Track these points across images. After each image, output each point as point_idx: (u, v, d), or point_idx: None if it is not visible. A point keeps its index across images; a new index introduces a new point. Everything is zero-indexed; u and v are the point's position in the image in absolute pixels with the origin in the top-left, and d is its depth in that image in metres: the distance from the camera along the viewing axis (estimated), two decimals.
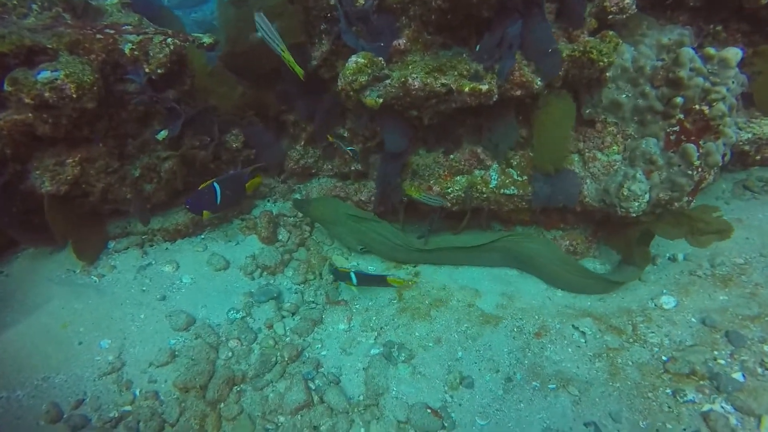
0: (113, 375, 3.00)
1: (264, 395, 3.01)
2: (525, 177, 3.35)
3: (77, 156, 3.35)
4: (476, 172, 3.38)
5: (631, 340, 3.22)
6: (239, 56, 3.65)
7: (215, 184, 3.40)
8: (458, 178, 3.37)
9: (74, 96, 3.01)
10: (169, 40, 3.36)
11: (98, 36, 3.30)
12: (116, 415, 2.82)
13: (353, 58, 3.02)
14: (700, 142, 3.16)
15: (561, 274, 3.63)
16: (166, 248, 3.89)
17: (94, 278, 3.54)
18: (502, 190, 3.32)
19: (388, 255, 3.92)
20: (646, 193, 3.14)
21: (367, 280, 3.33)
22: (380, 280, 3.31)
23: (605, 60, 2.97)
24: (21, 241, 3.56)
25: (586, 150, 3.38)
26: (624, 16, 3.18)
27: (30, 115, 3.05)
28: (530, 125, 3.33)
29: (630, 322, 3.32)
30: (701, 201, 3.89)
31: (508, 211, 3.51)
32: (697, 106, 3.12)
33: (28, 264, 3.64)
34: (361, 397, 3.02)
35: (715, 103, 3.07)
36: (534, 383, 3.01)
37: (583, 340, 3.25)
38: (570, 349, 3.21)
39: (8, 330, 3.06)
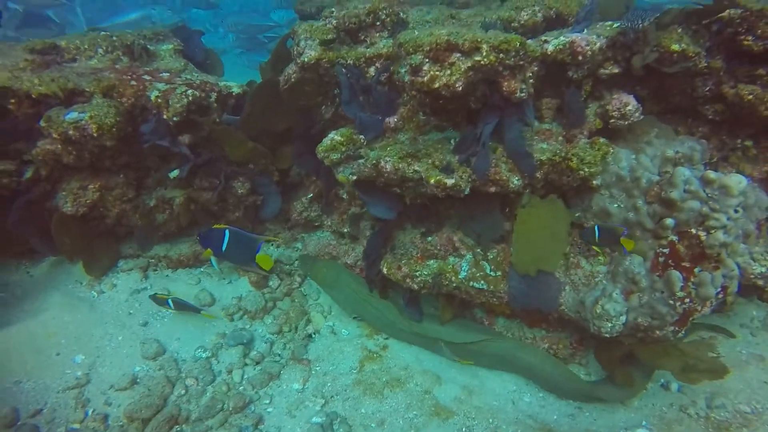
0: (75, 390, 3.26)
1: None
2: (499, 273, 3.22)
3: (98, 183, 3.75)
4: (450, 258, 3.30)
5: None
6: (257, 116, 3.92)
7: (227, 231, 3.57)
8: (430, 262, 3.30)
9: (95, 135, 3.39)
10: (189, 91, 3.69)
11: (132, 82, 3.72)
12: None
13: (331, 134, 3.13)
14: (695, 270, 2.86)
15: (562, 387, 3.43)
16: (167, 275, 4.18)
17: (94, 293, 3.89)
18: (471, 283, 3.21)
19: (380, 328, 3.90)
20: (621, 315, 2.88)
21: (183, 307, 3.67)
22: (195, 311, 3.74)
23: (586, 170, 2.82)
24: (39, 251, 4.01)
25: (571, 255, 3.18)
26: (626, 123, 3.01)
27: (59, 146, 3.48)
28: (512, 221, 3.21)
29: None
30: (723, 324, 3.49)
31: (482, 303, 3.38)
32: (693, 230, 2.84)
33: (49, 269, 4.08)
34: None
35: (713, 231, 2.78)
36: None
37: None
38: None
39: (6, 332, 3.44)
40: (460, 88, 2.68)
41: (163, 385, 3.34)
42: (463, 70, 2.63)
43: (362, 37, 3.70)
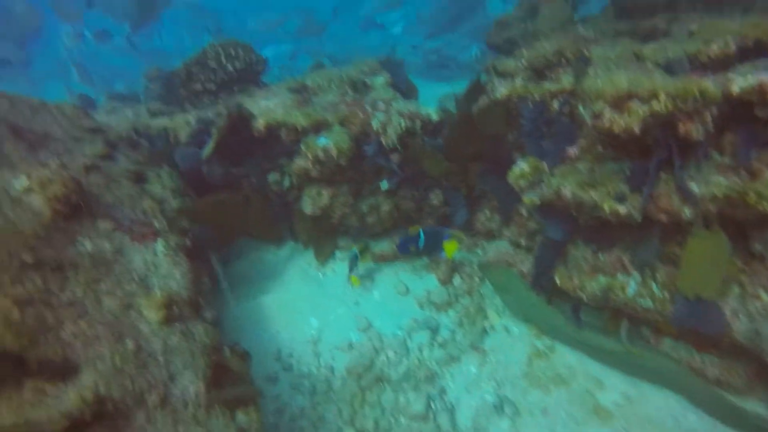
0: (311, 344, 4.45)
1: (397, 397, 4.02)
2: (666, 293, 3.47)
3: (330, 191, 4.96)
4: (619, 276, 3.65)
5: None
6: (453, 142, 4.72)
7: (421, 231, 4.51)
8: (599, 277, 3.70)
9: (335, 156, 4.56)
10: (402, 121, 4.65)
11: (359, 114, 4.81)
12: (306, 371, 4.24)
13: (520, 163, 3.73)
14: None
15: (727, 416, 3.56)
16: (371, 267, 5.26)
17: (320, 274, 5.14)
18: (638, 300, 3.53)
19: (545, 332, 4.41)
20: None
21: (353, 262, 4.75)
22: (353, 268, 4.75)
23: (766, 204, 2.94)
24: (284, 238, 5.42)
25: (750, 285, 3.28)
26: None
27: (309, 164, 4.74)
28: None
29: None
30: None
31: (647, 320, 3.65)
32: None
33: (289, 252, 5.47)
34: (464, 429, 3.75)
35: None
36: None
37: None
38: None
39: (267, 295, 4.85)
40: (638, 131, 3.06)
41: (371, 352, 4.34)
42: (641, 115, 3.01)
43: (547, 74, 4.21)
